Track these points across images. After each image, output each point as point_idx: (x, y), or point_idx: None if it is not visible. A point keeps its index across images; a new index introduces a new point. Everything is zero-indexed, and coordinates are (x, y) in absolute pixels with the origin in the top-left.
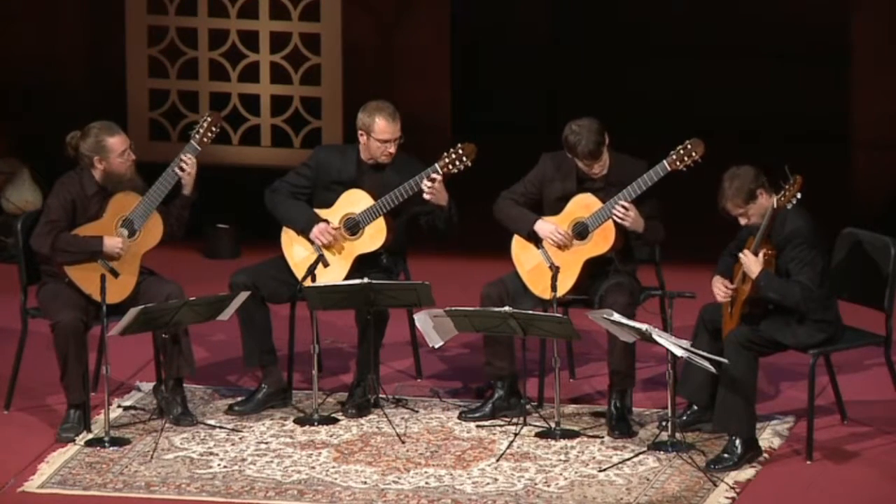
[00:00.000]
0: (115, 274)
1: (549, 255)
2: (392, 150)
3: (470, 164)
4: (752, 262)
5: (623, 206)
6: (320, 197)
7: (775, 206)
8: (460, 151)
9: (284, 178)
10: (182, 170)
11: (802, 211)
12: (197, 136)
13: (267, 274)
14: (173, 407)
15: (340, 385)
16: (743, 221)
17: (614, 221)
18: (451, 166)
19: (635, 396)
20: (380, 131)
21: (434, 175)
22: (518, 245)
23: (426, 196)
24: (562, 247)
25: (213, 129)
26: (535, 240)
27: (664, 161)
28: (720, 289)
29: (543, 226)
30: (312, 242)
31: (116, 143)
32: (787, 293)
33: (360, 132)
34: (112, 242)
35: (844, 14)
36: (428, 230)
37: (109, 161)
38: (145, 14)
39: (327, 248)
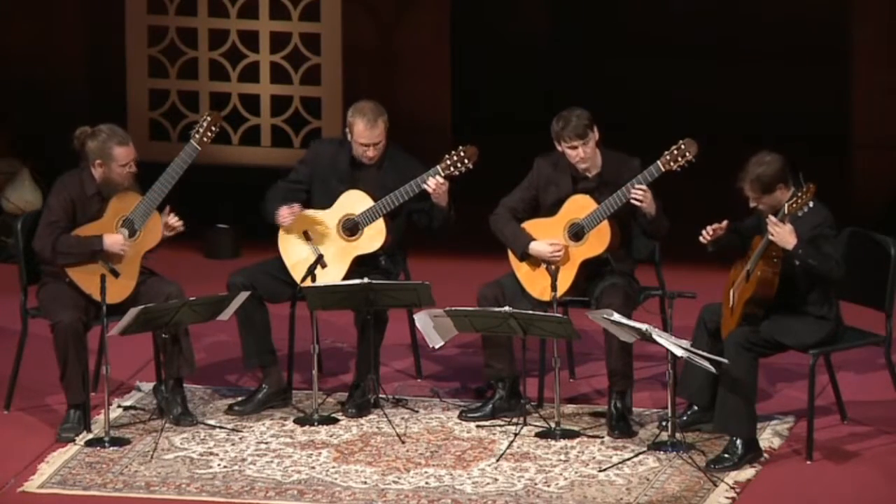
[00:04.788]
0: (116, 274)
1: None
2: (370, 154)
3: (472, 166)
4: (786, 233)
5: (641, 189)
6: (319, 195)
7: (786, 211)
8: (462, 154)
9: (283, 178)
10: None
11: (820, 205)
12: (197, 135)
13: (265, 274)
14: (173, 407)
15: (340, 385)
16: (752, 205)
17: (610, 220)
18: (452, 168)
19: (635, 396)
20: (357, 134)
21: (440, 177)
22: None
23: (430, 193)
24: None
25: (213, 128)
26: (531, 260)
27: (657, 162)
28: (708, 230)
29: (538, 247)
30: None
31: (122, 153)
32: (823, 260)
33: (346, 129)
34: (112, 240)
35: (844, 14)
36: (420, 227)
37: (110, 168)
38: (145, 14)
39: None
